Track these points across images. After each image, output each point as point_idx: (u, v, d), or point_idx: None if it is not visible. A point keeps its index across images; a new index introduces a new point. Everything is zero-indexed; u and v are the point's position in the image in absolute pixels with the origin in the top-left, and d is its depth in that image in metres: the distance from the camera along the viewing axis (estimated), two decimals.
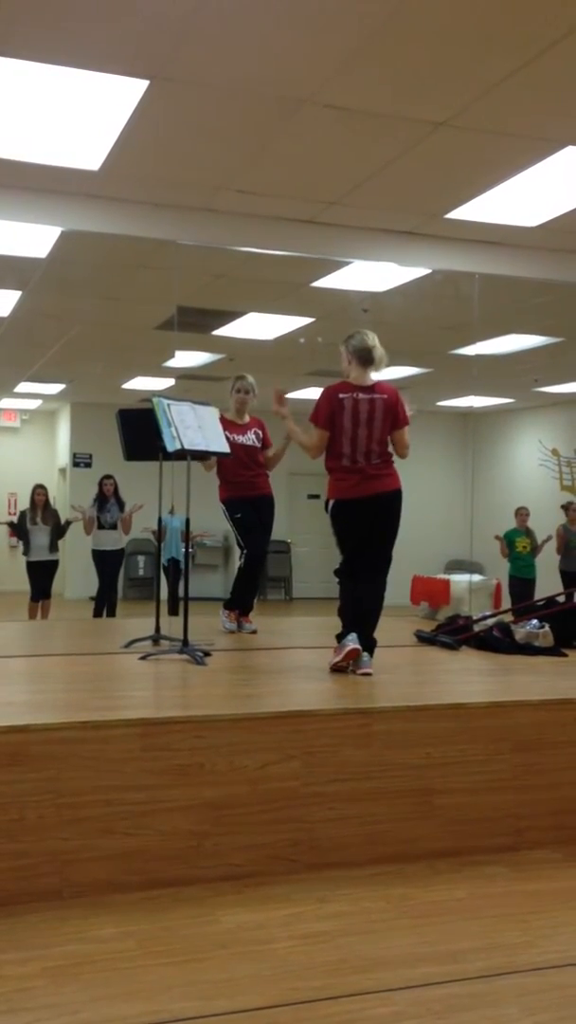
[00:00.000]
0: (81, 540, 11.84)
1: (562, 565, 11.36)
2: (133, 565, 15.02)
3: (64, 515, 11.64)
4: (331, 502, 5.11)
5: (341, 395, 5.04)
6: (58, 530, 11.35)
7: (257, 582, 6.97)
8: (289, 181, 6.21)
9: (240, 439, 6.42)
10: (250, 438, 6.50)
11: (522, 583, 11.42)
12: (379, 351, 5.09)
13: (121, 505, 11.07)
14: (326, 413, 5.04)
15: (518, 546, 11.51)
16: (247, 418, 6.56)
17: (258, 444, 6.53)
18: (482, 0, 4.08)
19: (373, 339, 5.10)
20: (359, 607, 5.08)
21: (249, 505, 6.54)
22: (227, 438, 6.20)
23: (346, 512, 5.06)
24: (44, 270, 7.87)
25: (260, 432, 6.54)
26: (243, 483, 6.52)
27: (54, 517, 11.37)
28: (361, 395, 5.04)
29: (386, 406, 5.05)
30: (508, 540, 11.55)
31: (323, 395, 5.10)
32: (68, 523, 11.41)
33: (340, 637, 5.06)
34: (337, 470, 5.09)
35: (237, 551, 6.69)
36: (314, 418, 5.09)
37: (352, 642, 4.95)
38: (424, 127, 5.35)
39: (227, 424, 6.28)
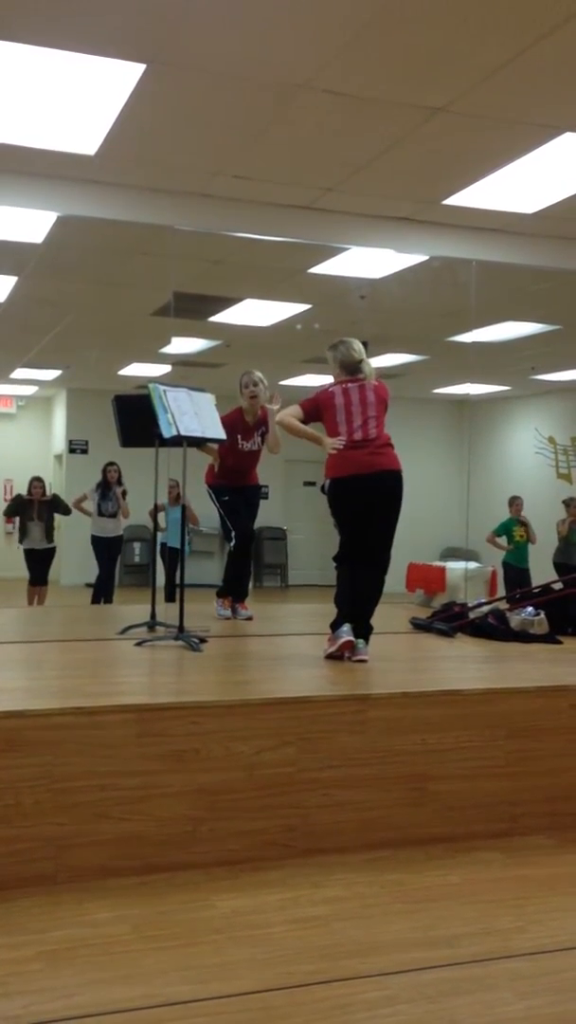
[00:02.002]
0: (77, 528, 11.83)
1: (558, 558, 11.34)
2: (129, 552, 15.02)
3: (64, 499, 11.65)
4: (329, 481, 5.02)
5: (331, 389, 5.12)
6: (56, 510, 11.33)
7: (249, 565, 6.95)
8: (286, 167, 6.19)
9: (247, 445, 6.45)
10: (255, 442, 6.49)
11: (516, 571, 11.43)
12: (367, 365, 5.15)
13: (123, 493, 11.08)
14: (312, 403, 5.13)
15: (516, 535, 11.51)
16: (259, 412, 6.47)
17: (261, 447, 6.54)
18: None
19: (360, 352, 5.16)
20: (357, 594, 5.04)
21: (236, 490, 6.60)
22: (236, 441, 6.27)
23: (345, 490, 4.97)
24: (40, 255, 7.84)
25: (265, 430, 6.45)
26: (236, 476, 6.58)
27: (50, 508, 11.35)
28: (351, 384, 5.10)
29: (377, 393, 5.10)
30: (506, 529, 11.54)
31: (316, 393, 5.19)
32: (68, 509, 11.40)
33: (335, 626, 5.05)
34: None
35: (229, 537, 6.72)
36: (302, 402, 5.17)
37: (346, 634, 4.92)
38: (422, 113, 5.33)
39: (241, 426, 6.34)
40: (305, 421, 5.13)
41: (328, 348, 5.23)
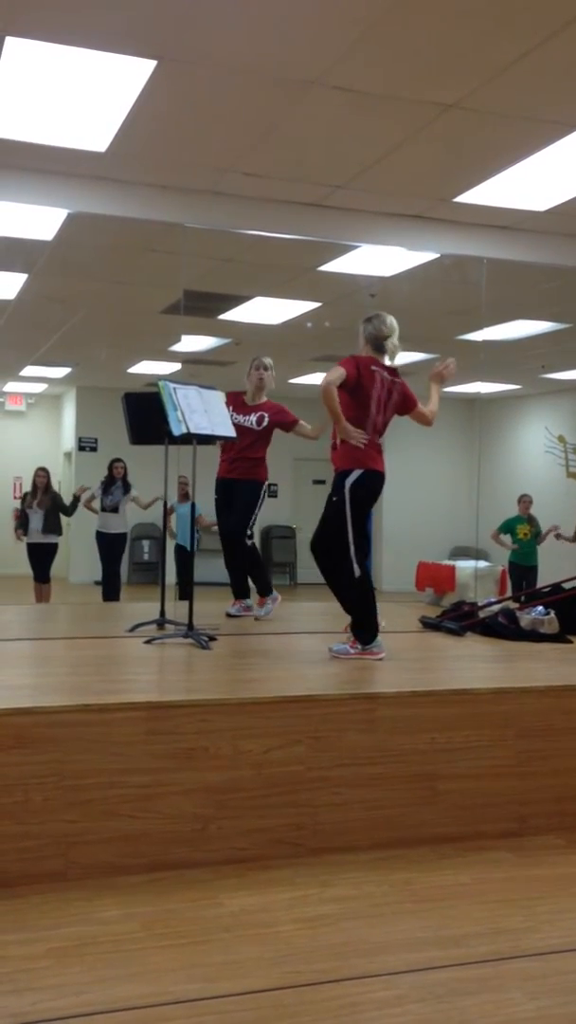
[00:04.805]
0: (85, 524, 11.83)
1: None
2: (138, 550, 15.04)
3: (67, 498, 11.64)
4: (360, 472, 4.90)
5: (373, 367, 4.97)
6: (57, 510, 11.31)
7: (231, 563, 6.66)
8: (296, 164, 6.17)
9: (238, 419, 6.32)
10: (251, 420, 6.39)
11: (522, 570, 11.39)
12: (392, 342, 5.08)
13: (126, 488, 11.08)
14: (355, 370, 4.85)
15: (519, 533, 11.46)
16: (263, 398, 6.45)
17: (256, 428, 6.40)
18: None
19: (390, 328, 5.07)
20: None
21: (223, 488, 6.53)
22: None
23: (375, 484, 4.97)
24: (50, 253, 7.84)
25: (266, 416, 6.42)
26: (227, 465, 6.48)
27: (52, 500, 11.35)
28: (386, 375, 5.03)
29: (401, 392, 5.08)
30: (509, 527, 11.50)
31: (355, 360, 4.91)
32: (76, 499, 11.33)
33: (368, 639, 4.99)
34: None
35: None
36: (344, 364, 4.85)
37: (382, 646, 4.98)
38: (433, 109, 5.31)
39: (235, 401, 6.28)
40: (343, 385, 4.82)
41: (362, 321, 5.12)
